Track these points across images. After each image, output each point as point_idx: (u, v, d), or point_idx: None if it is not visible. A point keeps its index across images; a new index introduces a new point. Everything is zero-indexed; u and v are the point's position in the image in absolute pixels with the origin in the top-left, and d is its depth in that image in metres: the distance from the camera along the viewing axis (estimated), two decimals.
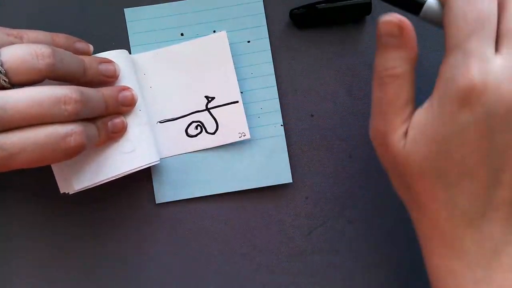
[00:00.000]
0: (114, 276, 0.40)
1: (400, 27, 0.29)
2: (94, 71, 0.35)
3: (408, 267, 0.39)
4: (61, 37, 0.36)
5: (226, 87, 0.40)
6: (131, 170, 0.37)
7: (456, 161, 0.29)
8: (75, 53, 0.35)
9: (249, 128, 0.40)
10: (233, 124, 0.40)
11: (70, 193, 0.36)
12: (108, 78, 0.37)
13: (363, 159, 0.40)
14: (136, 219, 0.40)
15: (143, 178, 0.40)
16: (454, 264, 0.30)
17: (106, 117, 0.36)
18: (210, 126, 0.40)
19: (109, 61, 0.37)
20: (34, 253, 0.40)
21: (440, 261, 0.31)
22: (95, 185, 0.36)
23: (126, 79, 0.38)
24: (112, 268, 0.40)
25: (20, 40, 0.34)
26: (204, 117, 0.40)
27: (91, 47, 0.38)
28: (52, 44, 0.35)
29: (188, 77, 0.40)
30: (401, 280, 0.39)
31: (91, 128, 0.34)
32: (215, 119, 0.40)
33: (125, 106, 0.37)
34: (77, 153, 0.32)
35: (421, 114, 0.30)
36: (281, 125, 0.40)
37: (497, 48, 0.28)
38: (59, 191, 0.37)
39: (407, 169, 0.30)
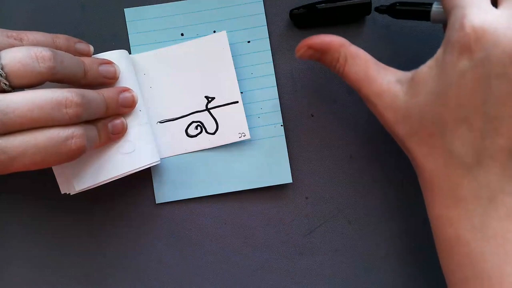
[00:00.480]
0: (114, 275, 0.40)
1: (309, 47, 0.35)
2: (95, 73, 0.35)
3: (409, 266, 0.40)
4: (61, 38, 0.36)
5: (226, 87, 0.40)
6: (132, 170, 0.37)
7: (453, 108, 0.29)
8: (76, 54, 0.35)
9: (249, 128, 0.40)
10: (233, 124, 0.40)
11: (71, 194, 0.36)
12: (108, 80, 0.37)
13: (363, 159, 0.40)
14: (136, 219, 0.40)
15: (143, 178, 0.40)
16: (452, 213, 0.31)
17: (106, 119, 0.36)
18: (210, 126, 0.40)
19: (109, 63, 0.37)
20: (34, 253, 0.40)
21: (439, 212, 0.31)
22: (95, 185, 0.36)
23: (126, 80, 0.38)
24: (112, 268, 0.40)
25: (20, 42, 0.34)
26: (204, 117, 0.40)
27: (92, 48, 0.38)
28: (53, 45, 0.35)
29: (188, 77, 0.40)
30: (401, 280, 0.40)
31: (92, 130, 0.34)
32: (215, 119, 0.40)
33: (126, 107, 0.37)
34: (78, 156, 0.32)
35: (423, 70, 0.31)
36: (281, 125, 0.40)
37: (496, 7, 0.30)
38: (60, 192, 0.37)
39: (406, 122, 0.32)
